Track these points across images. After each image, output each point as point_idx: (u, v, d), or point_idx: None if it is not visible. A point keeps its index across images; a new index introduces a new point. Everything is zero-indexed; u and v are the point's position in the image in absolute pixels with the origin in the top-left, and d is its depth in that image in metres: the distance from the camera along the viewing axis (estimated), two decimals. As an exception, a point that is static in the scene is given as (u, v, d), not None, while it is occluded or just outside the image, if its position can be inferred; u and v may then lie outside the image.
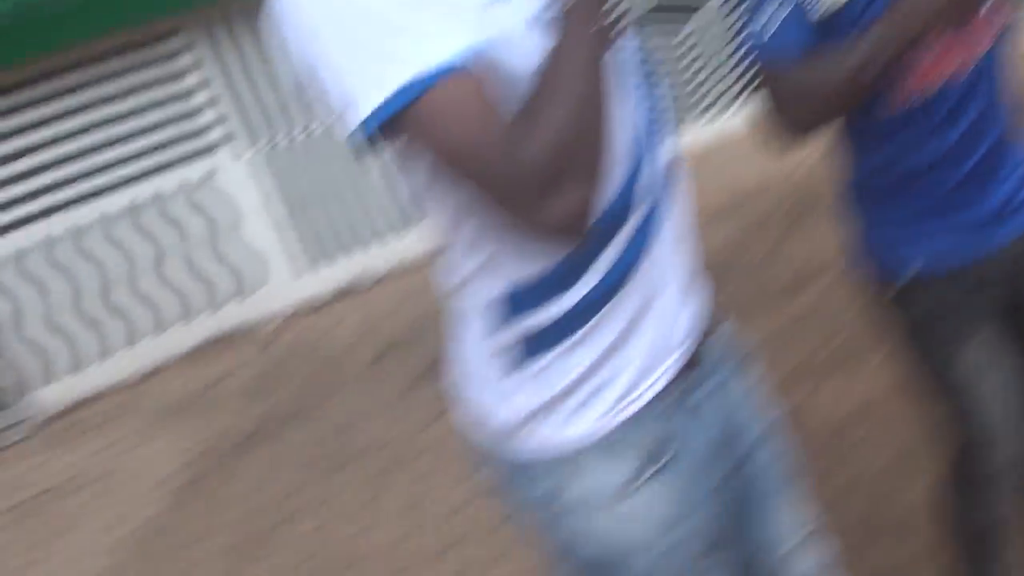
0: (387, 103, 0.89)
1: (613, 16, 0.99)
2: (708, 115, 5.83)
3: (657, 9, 5.57)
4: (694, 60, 5.73)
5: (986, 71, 1.45)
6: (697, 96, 5.83)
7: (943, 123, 1.45)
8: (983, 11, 1.39)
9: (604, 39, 0.99)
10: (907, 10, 1.33)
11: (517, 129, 0.92)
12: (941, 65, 1.41)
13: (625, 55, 1.07)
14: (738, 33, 1.46)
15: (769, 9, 1.40)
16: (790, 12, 1.40)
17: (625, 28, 1.04)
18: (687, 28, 5.73)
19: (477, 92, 0.91)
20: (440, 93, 0.89)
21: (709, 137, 5.55)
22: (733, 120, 5.68)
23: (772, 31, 1.40)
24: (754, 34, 1.42)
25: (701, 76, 5.76)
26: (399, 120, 0.91)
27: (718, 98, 5.84)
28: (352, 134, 0.93)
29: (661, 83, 1.17)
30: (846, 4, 1.38)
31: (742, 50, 1.48)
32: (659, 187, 1.09)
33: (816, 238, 3.81)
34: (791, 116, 1.43)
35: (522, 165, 0.91)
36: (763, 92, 1.46)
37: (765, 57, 1.42)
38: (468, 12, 0.93)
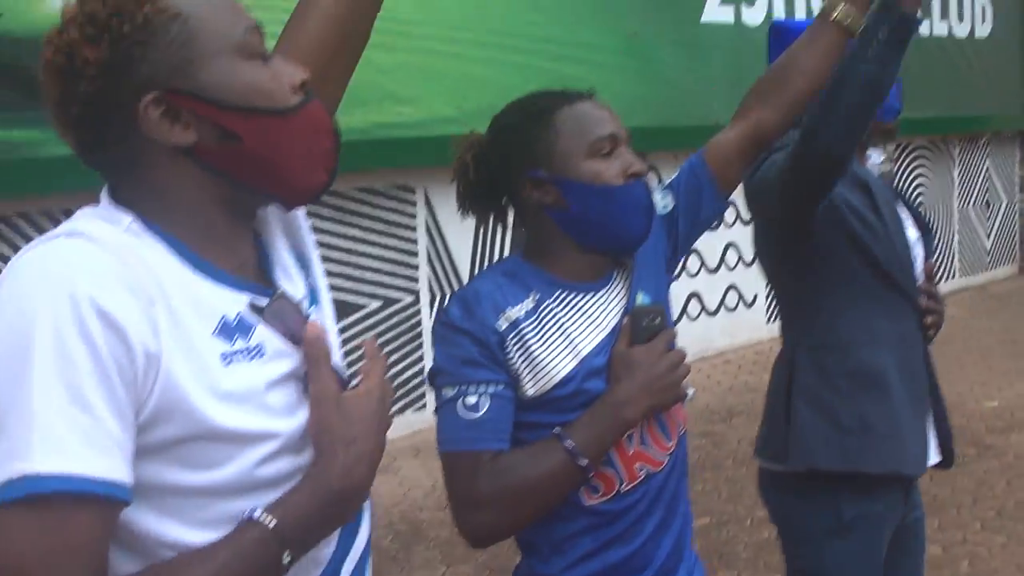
0: None
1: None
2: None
3: None
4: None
5: (680, 459, 1.54)
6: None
7: (644, 513, 1.48)
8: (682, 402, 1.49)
9: (278, 573, 0.95)
10: (618, 400, 1.40)
11: None
12: (642, 457, 1.47)
13: None
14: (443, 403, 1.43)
15: (476, 384, 1.40)
16: (499, 392, 1.41)
17: None
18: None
19: (78, 528, 0.84)
20: (30, 513, 0.82)
21: None
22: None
23: (480, 413, 1.39)
24: (455, 411, 1.41)
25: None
26: None
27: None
28: None
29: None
30: (561, 380, 1.43)
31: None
32: None
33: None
34: (476, 523, 1.43)
35: None
36: (449, 482, 1.44)
37: (460, 440, 1.41)
38: (187, 395, 0.90)
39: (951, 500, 4.19)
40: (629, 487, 1.46)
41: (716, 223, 1.81)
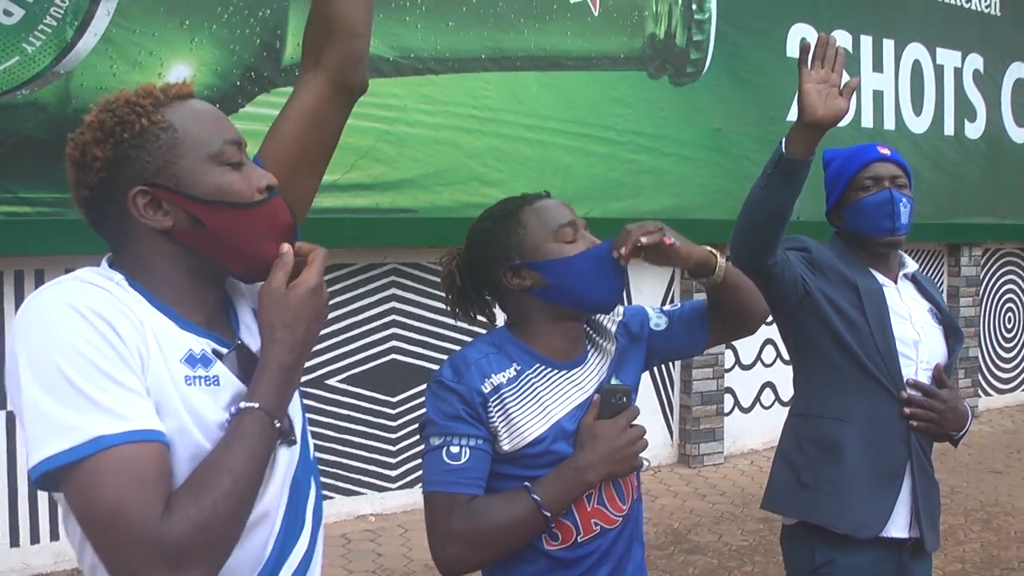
0: (52, 458, 1.07)
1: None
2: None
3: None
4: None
5: (632, 521, 1.75)
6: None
7: (596, 564, 1.68)
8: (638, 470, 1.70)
9: (276, 438, 1.22)
10: (580, 464, 1.61)
11: (174, 502, 1.10)
12: (598, 514, 1.68)
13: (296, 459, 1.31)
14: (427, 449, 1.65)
15: (460, 437, 1.61)
16: (478, 446, 1.62)
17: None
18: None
19: (144, 464, 1.09)
20: (102, 461, 1.07)
21: (395, 505, 5.47)
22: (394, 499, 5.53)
23: (462, 461, 1.60)
24: (440, 458, 1.61)
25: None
26: (65, 476, 1.08)
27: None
28: (31, 471, 1.09)
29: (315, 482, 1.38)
30: (532, 441, 1.64)
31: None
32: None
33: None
34: (448, 556, 1.61)
35: (163, 538, 1.07)
36: (429, 518, 1.63)
37: (442, 483, 1.60)
38: (166, 396, 1.16)
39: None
40: (585, 539, 1.67)
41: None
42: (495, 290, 1.78)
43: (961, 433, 2.36)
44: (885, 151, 2.39)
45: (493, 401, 1.64)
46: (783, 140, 2.04)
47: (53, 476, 1.09)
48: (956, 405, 2.32)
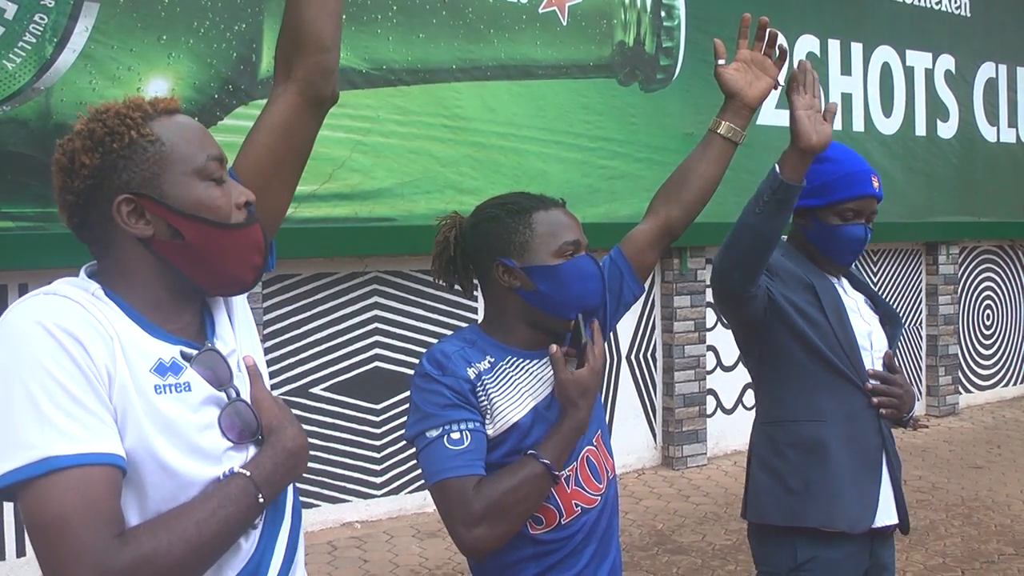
0: (7, 474, 1.11)
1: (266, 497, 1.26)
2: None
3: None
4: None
5: (611, 499, 1.82)
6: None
7: (581, 544, 1.74)
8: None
9: (256, 512, 1.25)
10: (566, 431, 1.68)
11: (131, 532, 1.15)
12: (577, 495, 1.74)
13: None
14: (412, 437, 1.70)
15: (458, 423, 1.66)
16: (476, 428, 1.67)
17: None
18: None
19: (92, 485, 1.13)
20: (52, 481, 1.11)
21: (380, 512, 5.56)
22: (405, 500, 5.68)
23: (465, 445, 1.64)
24: (443, 447, 1.64)
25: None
26: (20, 491, 1.12)
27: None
28: None
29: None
30: (511, 426, 1.70)
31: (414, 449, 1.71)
32: None
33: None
34: (475, 538, 1.62)
35: (105, 559, 1.11)
36: (445, 507, 1.65)
37: (451, 469, 1.63)
38: (132, 409, 1.19)
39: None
40: (568, 520, 1.73)
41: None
42: (482, 275, 1.82)
43: (911, 414, 2.44)
44: (876, 184, 2.41)
45: (479, 386, 1.70)
46: (776, 167, 2.08)
47: (11, 490, 1.13)
48: (909, 388, 2.40)
